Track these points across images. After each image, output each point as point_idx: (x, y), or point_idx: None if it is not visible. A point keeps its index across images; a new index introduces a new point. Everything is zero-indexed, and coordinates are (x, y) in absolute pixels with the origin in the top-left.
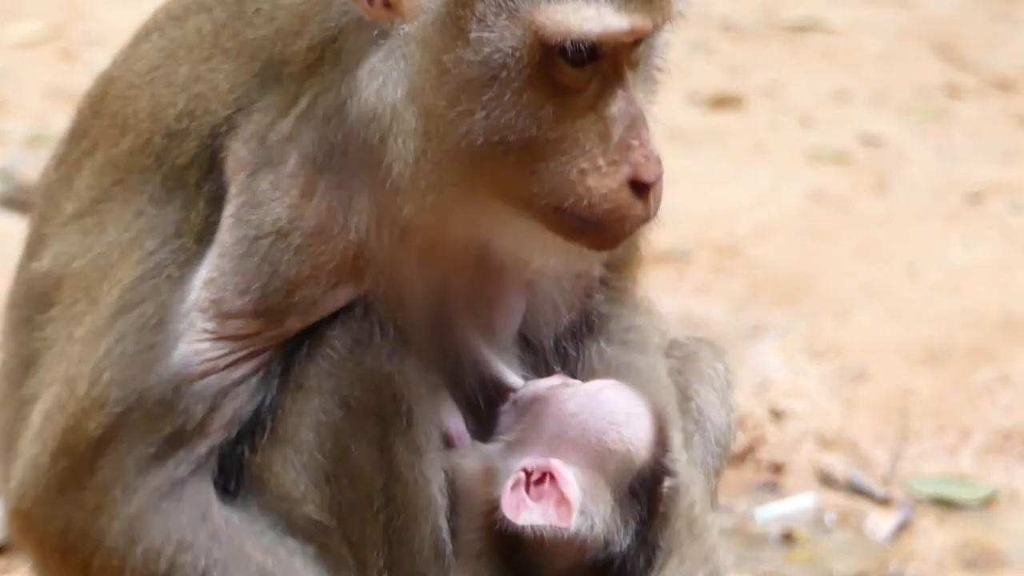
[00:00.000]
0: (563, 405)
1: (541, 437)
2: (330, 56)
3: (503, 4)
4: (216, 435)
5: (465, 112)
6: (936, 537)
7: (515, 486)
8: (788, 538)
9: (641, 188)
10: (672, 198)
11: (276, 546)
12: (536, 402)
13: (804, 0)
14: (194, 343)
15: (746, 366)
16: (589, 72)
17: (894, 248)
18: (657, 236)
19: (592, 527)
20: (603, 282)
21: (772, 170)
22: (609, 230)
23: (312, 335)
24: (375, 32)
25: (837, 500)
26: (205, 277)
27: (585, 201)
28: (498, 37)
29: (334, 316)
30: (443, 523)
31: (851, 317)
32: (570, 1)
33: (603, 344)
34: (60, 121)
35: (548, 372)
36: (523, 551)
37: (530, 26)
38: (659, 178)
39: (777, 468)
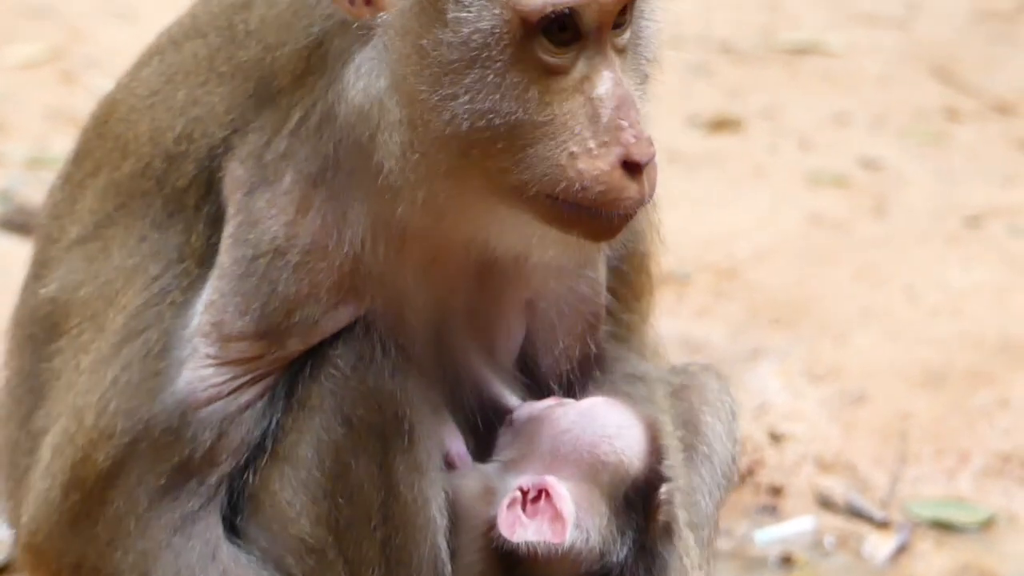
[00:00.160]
0: (557, 423)
1: (537, 455)
2: (317, 63)
3: None
4: (225, 464)
5: (448, 96)
6: (935, 560)
7: (511, 504)
8: (787, 561)
9: (634, 169)
10: (671, 221)
11: None
12: (532, 422)
13: (803, 23)
14: (198, 369)
15: (745, 389)
16: (574, 52)
17: (893, 271)
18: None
19: (588, 540)
20: (611, 313)
21: (771, 193)
22: (604, 215)
23: (314, 355)
24: (359, 31)
25: (836, 523)
26: (206, 300)
27: (577, 185)
28: (475, 16)
29: (336, 335)
30: (442, 543)
31: (850, 340)
32: None
33: (606, 389)
34: (60, 143)
35: (547, 395)
36: (522, 568)
37: (508, 2)
38: (651, 158)
39: (776, 491)
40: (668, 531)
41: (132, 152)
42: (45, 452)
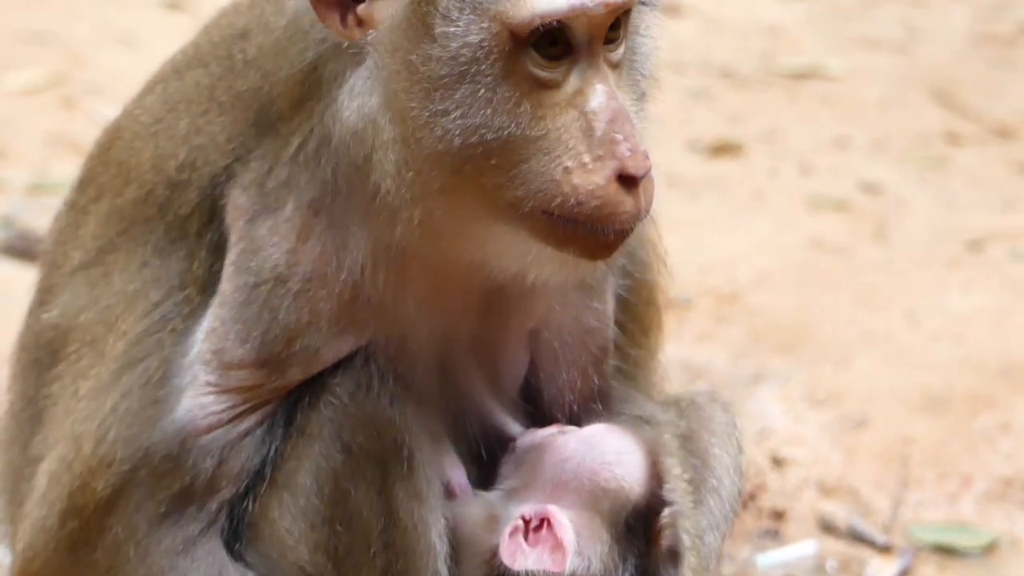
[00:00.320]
0: (559, 451)
1: (539, 484)
2: (313, 88)
3: None
4: (226, 490)
5: (439, 112)
6: None
7: (513, 533)
8: None
9: (629, 182)
10: (672, 246)
11: None
12: (534, 450)
13: (804, 48)
14: (198, 397)
15: (747, 414)
16: (566, 66)
17: (894, 295)
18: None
19: (589, 567)
20: (618, 348)
21: (772, 217)
22: (600, 230)
23: (314, 383)
24: (351, 52)
25: (838, 547)
26: (207, 328)
27: (572, 200)
28: (463, 31)
29: (336, 364)
30: (443, 569)
31: (851, 365)
32: None
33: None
34: (61, 169)
35: (550, 423)
36: None
37: (495, 16)
38: (647, 171)
39: (778, 515)
40: (673, 555)
41: (135, 179)
42: (41, 479)
